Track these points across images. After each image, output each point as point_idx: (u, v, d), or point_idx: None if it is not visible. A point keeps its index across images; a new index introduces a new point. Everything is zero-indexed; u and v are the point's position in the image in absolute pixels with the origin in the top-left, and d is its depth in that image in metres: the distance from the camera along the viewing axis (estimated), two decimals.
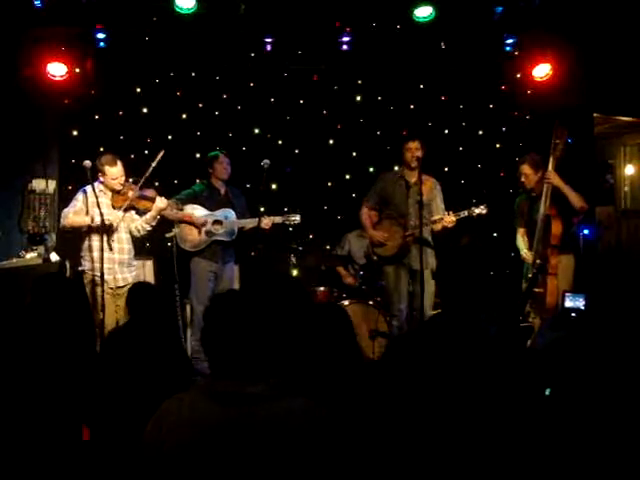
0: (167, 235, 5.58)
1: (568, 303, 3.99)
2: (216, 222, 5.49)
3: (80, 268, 4.98)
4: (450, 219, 5.18)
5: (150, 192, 5.11)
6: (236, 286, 5.93)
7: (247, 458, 1.74)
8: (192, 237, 5.49)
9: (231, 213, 5.52)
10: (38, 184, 6.35)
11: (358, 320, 5.77)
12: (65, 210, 5.02)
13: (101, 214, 4.73)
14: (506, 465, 1.56)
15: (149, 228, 5.10)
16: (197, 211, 5.50)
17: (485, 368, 1.64)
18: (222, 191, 5.63)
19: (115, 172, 4.95)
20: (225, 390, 1.81)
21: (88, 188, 4.92)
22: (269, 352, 1.87)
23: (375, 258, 5.56)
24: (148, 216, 5.06)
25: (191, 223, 5.47)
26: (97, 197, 4.81)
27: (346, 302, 5.90)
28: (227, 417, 1.78)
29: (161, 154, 5.07)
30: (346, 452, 1.78)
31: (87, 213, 4.90)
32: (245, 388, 1.81)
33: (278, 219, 5.53)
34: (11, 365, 2.56)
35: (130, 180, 5.14)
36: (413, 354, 1.73)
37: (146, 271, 6.09)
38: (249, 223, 5.53)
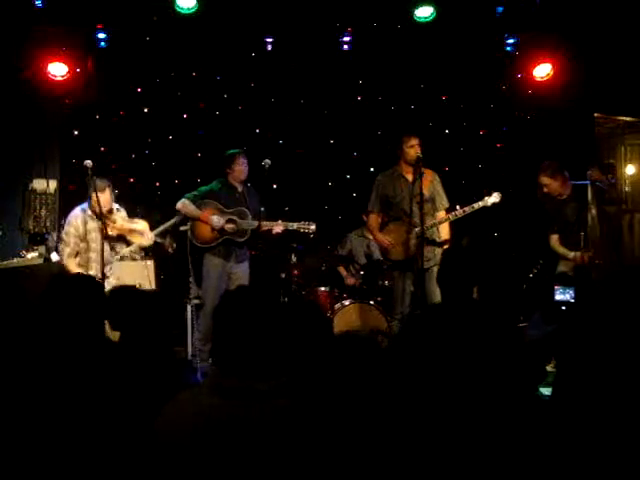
0: (181, 228, 5.60)
1: (558, 296, 3.98)
2: (230, 221, 5.47)
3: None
4: (452, 217, 5.19)
5: (140, 224, 5.26)
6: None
7: (253, 452, 1.75)
8: (204, 234, 5.47)
9: (246, 213, 5.49)
10: (39, 184, 6.35)
11: (358, 319, 5.77)
12: (60, 248, 5.18)
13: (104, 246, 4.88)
14: (505, 462, 1.56)
15: (138, 258, 5.31)
16: (215, 217, 5.47)
17: (482, 364, 1.64)
18: (239, 189, 5.58)
19: (101, 199, 4.94)
20: (233, 386, 1.82)
21: (77, 217, 5.09)
22: (278, 350, 1.87)
23: (389, 263, 5.45)
24: (133, 248, 5.25)
25: (207, 223, 5.47)
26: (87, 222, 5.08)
27: (347, 302, 5.90)
28: (234, 412, 1.79)
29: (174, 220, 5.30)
30: (349, 448, 1.79)
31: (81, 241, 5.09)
32: (254, 385, 1.81)
33: (292, 226, 5.49)
34: (12, 365, 2.57)
35: (117, 206, 5.22)
36: (412, 350, 1.74)
37: (147, 271, 6.09)
38: (263, 226, 5.44)
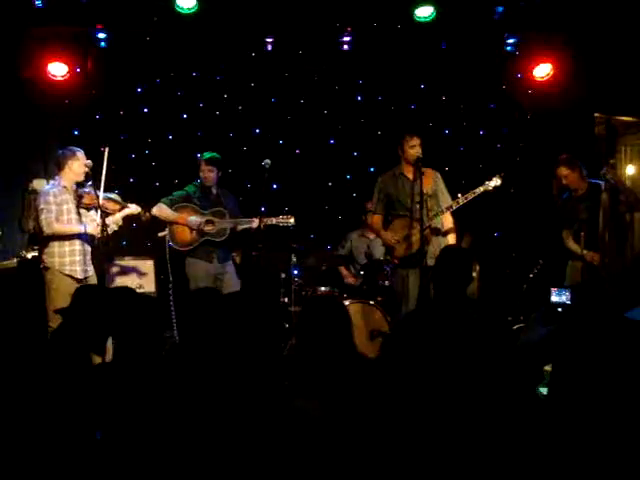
0: (160, 234, 5.59)
1: (554, 298, 3.96)
2: (208, 222, 5.50)
3: (44, 265, 4.93)
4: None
5: (115, 196, 5.24)
6: (237, 286, 5.91)
7: (256, 456, 1.76)
8: (184, 236, 5.51)
9: (223, 213, 5.53)
10: (39, 184, 6.36)
11: (359, 320, 5.76)
12: (43, 217, 4.88)
13: (103, 222, 4.82)
14: (505, 461, 1.56)
15: (116, 228, 5.16)
16: (193, 217, 5.50)
17: (477, 363, 1.65)
18: (214, 191, 5.64)
19: (81, 162, 4.97)
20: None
21: (52, 189, 4.94)
22: (278, 351, 1.88)
23: (395, 261, 5.42)
24: (117, 217, 5.14)
25: (185, 225, 5.49)
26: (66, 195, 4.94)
27: (347, 302, 5.89)
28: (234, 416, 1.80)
29: (106, 151, 5.12)
30: (344, 449, 1.79)
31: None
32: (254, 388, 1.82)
33: (271, 221, 5.51)
34: (14, 363, 2.57)
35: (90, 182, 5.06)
36: (409, 348, 1.74)
37: (146, 271, 6.10)
38: (241, 223, 5.53)
